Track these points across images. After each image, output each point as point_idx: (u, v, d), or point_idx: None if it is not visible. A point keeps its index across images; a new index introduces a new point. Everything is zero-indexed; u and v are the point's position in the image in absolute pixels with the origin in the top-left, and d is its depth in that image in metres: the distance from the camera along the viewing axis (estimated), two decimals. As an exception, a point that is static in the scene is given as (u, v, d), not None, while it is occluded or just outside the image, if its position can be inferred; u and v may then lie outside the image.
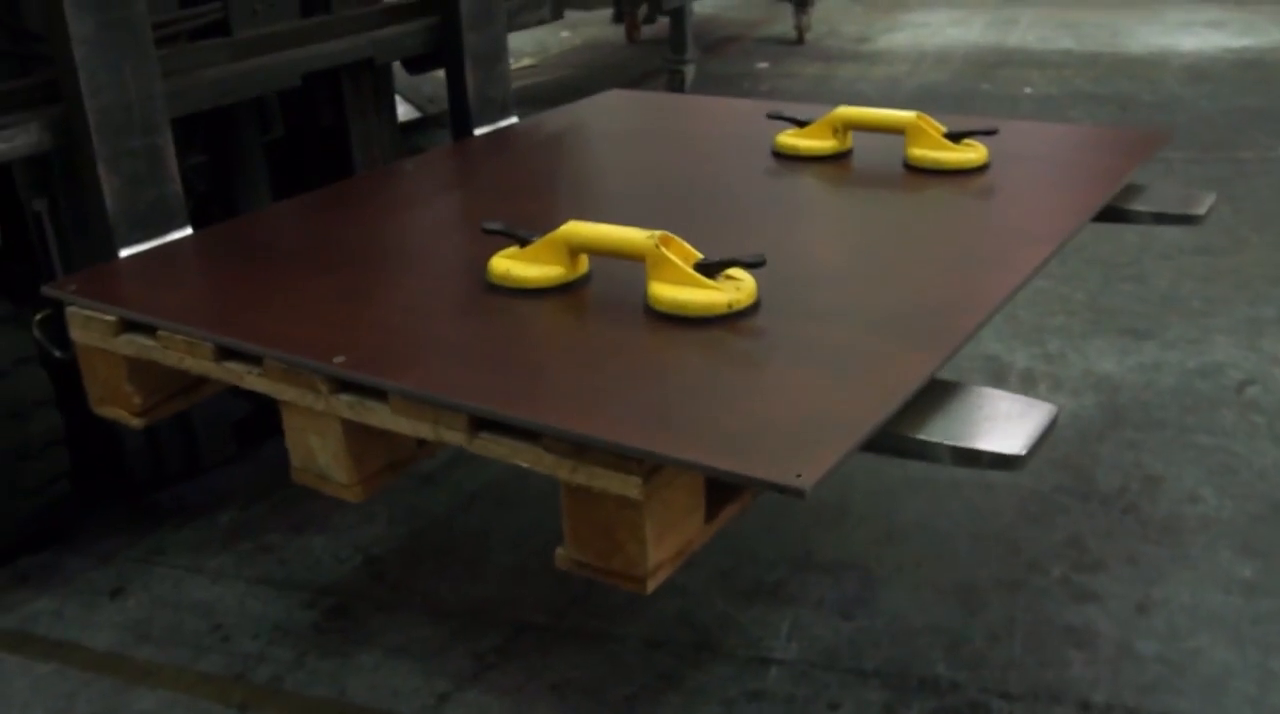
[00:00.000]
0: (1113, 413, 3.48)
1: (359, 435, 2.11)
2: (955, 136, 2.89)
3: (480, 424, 1.96)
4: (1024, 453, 1.82)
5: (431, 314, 2.28)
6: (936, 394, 1.95)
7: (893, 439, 1.86)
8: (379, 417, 2.04)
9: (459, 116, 3.63)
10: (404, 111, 4.04)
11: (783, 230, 2.60)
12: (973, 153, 2.87)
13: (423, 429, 1.99)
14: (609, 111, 3.75)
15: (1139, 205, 2.83)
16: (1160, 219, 2.82)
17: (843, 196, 2.90)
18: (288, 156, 3.61)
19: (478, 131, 3.59)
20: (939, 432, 1.87)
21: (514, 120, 3.71)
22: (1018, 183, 2.82)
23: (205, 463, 3.36)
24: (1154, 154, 3.04)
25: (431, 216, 2.89)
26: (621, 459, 1.80)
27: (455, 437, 1.96)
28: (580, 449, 1.84)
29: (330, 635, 2.77)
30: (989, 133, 2.91)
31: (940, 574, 2.86)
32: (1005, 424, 1.88)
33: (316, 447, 2.14)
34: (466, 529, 3.15)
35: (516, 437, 1.93)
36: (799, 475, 1.68)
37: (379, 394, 2.03)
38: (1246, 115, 6.22)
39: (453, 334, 2.20)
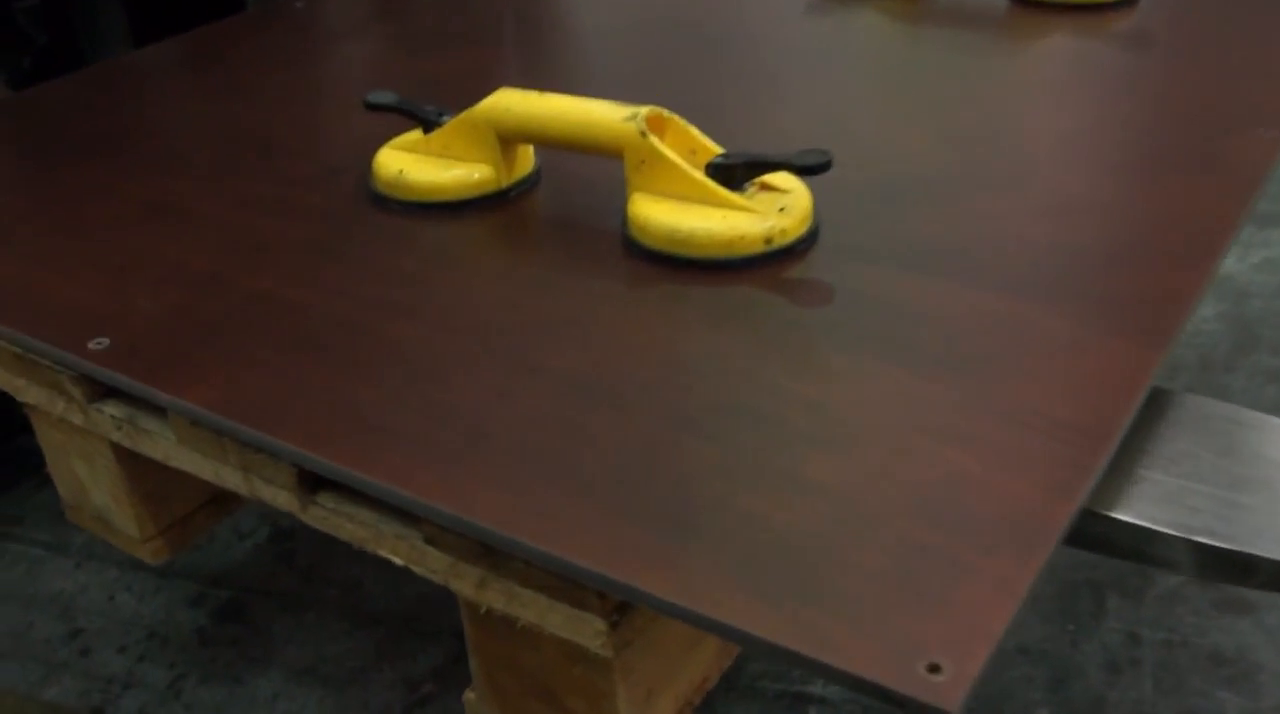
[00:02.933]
0: (1241, 329, 2.41)
1: (149, 468, 1.14)
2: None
3: (319, 483, 0.98)
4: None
5: (269, 253, 1.20)
6: (1156, 420, 0.97)
7: (1090, 524, 0.89)
8: (159, 447, 1.07)
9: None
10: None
11: (840, 104, 1.45)
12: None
13: (227, 476, 1.02)
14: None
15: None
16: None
17: (928, 47, 1.62)
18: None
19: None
20: (1171, 510, 0.89)
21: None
22: (1189, 27, 1.65)
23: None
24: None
25: (317, 80, 1.71)
26: (571, 583, 0.83)
27: (279, 497, 0.99)
28: (491, 551, 0.87)
29: (218, 649, 1.82)
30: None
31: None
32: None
33: (86, 478, 1.17)
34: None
35: (384, 513, 0.95)
36: (934, 669, 0.72)
37: (159, 409, 1.06)
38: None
39: (295, 293, 1.13)
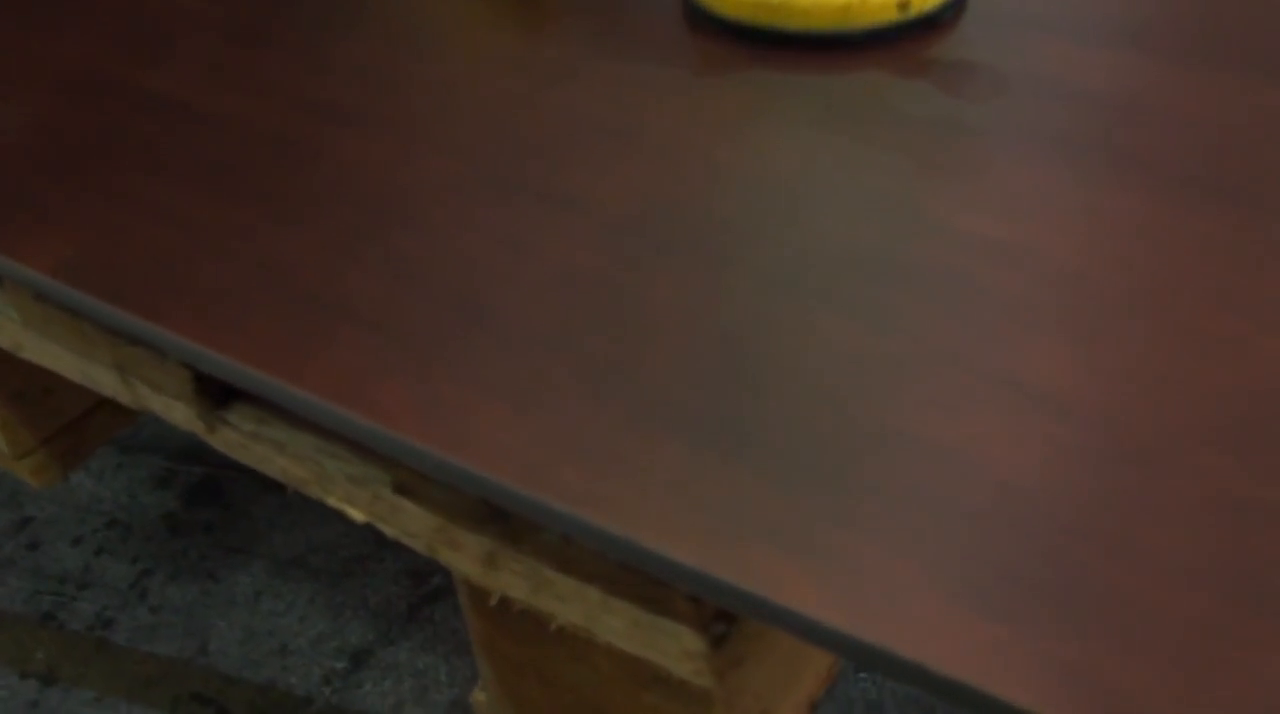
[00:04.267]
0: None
1: (19, 362, 0.76)
2: None
3: (232, 393, 0.61)
4: None
5: (173, 44, 0.77)
6: None
7: None
8: (5, 332, 0.69)
9: None
10: None
11: None
12: None
13: (99, 377, 0.65)
14: None
15: None
16: None
17: None
18: None
19: None
20: None
21: None
22: None
23: None
24: None
25: None
26: (641, 575, 0.46)
27: (173, 411, 0.62)
28: (504, 513, 0.50)
29: (190, 538, 1.48)
30: None
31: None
32: None
33: (-70, 370, 0.80)
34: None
35: (331, 442, 0.58)
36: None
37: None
38: None
39: (205, 98, 0.70)
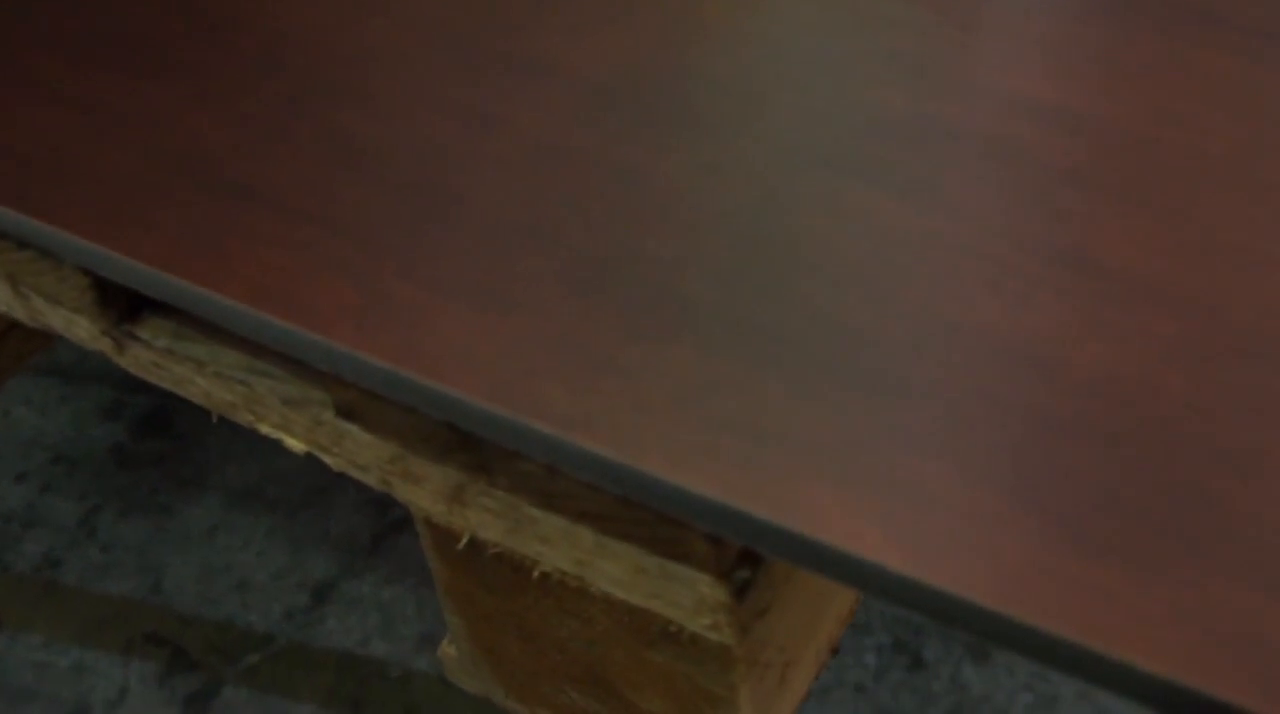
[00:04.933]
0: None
1: None
2: None
3: (142, 303, 0.51)
4: None
5: None
6: None
7: None
8: None
9: None
10: None
11: None
12: None
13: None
14: None
15: None
16: None
17: None
18: None
19: None
20: None
21: None
22: None
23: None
24: None
25: None
26: (646, 512, 0.37)
27: (74, 326, 0.52)
28: (472, 441, 0.40)
29: (140, 472, 1.37)
30: None
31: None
32: None
33: None
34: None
35: (261, 359, 0.48)
36: None
37: None
38: None
39: None
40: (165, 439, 1.40)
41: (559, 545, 0.38)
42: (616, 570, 0.37)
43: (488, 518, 0.40)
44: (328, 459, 0.43)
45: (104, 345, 0.48)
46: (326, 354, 0.38)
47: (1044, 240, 0.39)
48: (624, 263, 0.39)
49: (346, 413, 0.41)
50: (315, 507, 1.31)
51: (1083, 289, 0.37)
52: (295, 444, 0.44)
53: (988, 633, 0.28)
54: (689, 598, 0.36)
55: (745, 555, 0.36)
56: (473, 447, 0.38)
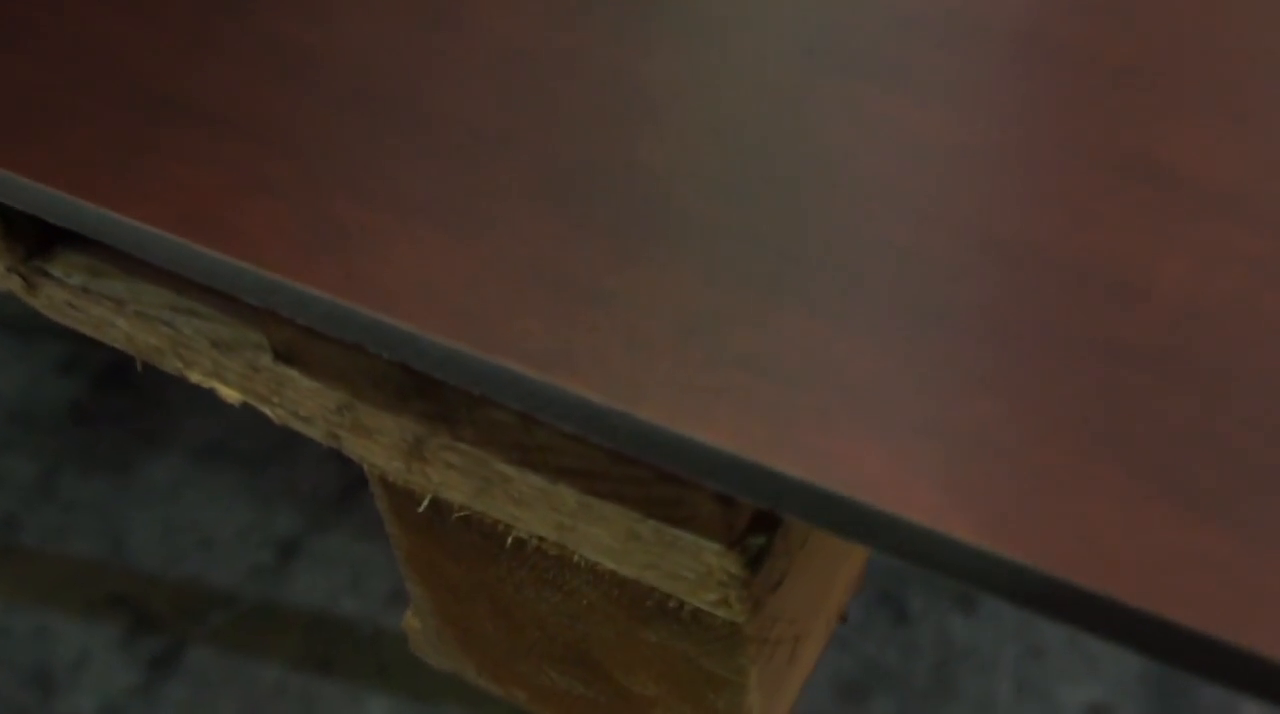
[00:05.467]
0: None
1: None
2: None
3: (55, 236, 0.43)
4: None
5: None
6: None
7: None
8: None
9: None
10: None
11: None
12: None
13: None
14: None
15: None
16: None
17: None
18: None
19: None
20: None
21: None
22: None
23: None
24: None
25: None
26: (640, 467, 0.30)
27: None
28: (432, 386, 0.33)
29: (100, 428, 1.30)
30: None
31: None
32: None
33: None
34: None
35: (189, 296, 0.41)
36: None
37: None
38: None
39: None
40: (125, 394, 1.32)
41: (536, 508, 0.32)
42: (605, 537, 0.31)
43: (452, 476, 0.33)
44: (268, 410, 0.36)
45: (13, 284, 0.41)
46: (259, 285, 0.31)
47: (1100, 147, 0.32)
48: (610, 174, 0.32)
49: (286, 356, 0.34)
50: (281, 461, 1.24)
51: (1153, 201, 0.30)
52: (230, 394, 0.37)
53: (1088, 620, 0.21)
54: (692, 569, 0.29)
55: (759, 518, 0.29)
56: (433, 393, 0.31)
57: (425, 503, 0.34)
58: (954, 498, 0.23)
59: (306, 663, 1.10)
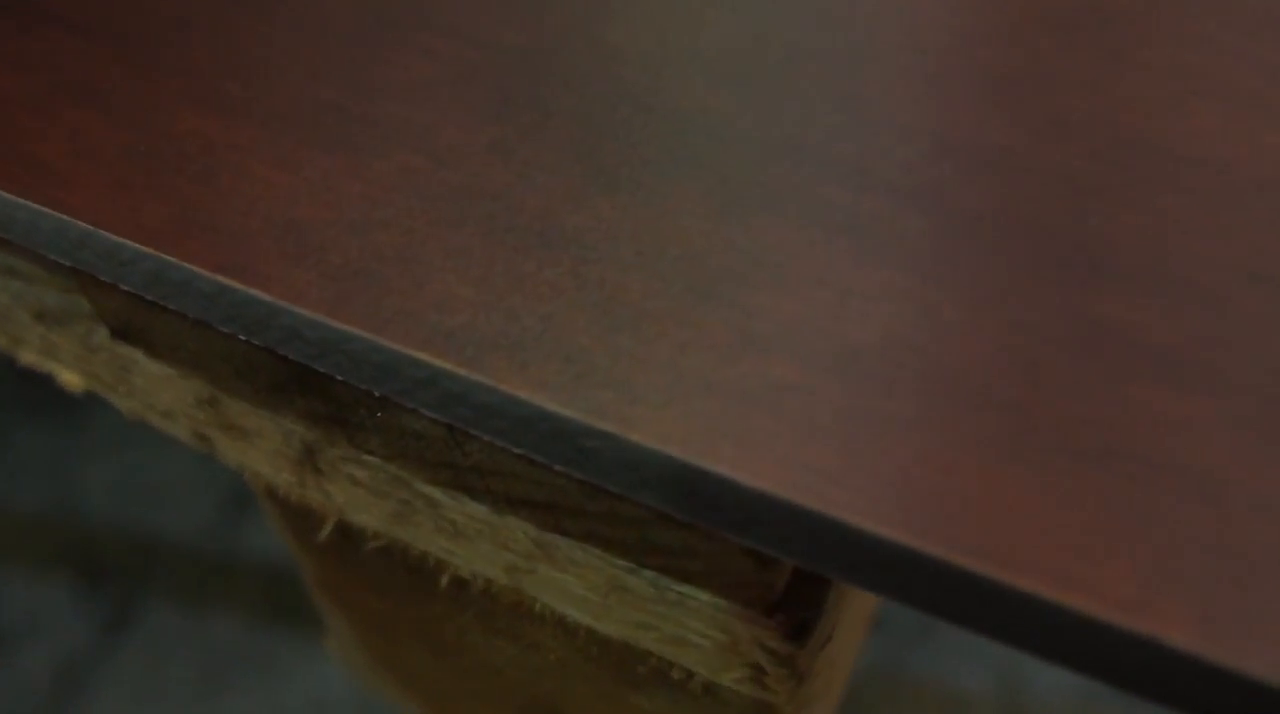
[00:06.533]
0: None
1: None
2: None
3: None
4: None
5: None
6: None
7: None
8: None
9: None
10: None
11: None
12: None
13: None
14: None
15: None
16: None
17: None
18: None
19: None
20: None
21: None
22: None
23: None
24: None
25: None
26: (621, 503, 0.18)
27: None
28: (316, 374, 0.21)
29: (46, 388, 1.18)
30: None
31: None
32: None
33: None
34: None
35: (21, 259, 0.29)
36: None
37: None
38: None
39: None
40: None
41: (477, 543, 0.21)
42: (577, 586, 0.20)
43: (360, 495, 0.22)
44: (116, 401, 0.25)
45: None
46: (61, 236, 0.20)
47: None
48: (571, 59, 0.20)
49: (122, 332, 0.23)
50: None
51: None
52: (71, 379, 0.26)
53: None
54: (707, 637, 0.19)
55: (800, 580, 0.18)
56: (319, 388, 0.20)
57: (328, 528, 0.23)
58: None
59: (263, 618, 1.00)
